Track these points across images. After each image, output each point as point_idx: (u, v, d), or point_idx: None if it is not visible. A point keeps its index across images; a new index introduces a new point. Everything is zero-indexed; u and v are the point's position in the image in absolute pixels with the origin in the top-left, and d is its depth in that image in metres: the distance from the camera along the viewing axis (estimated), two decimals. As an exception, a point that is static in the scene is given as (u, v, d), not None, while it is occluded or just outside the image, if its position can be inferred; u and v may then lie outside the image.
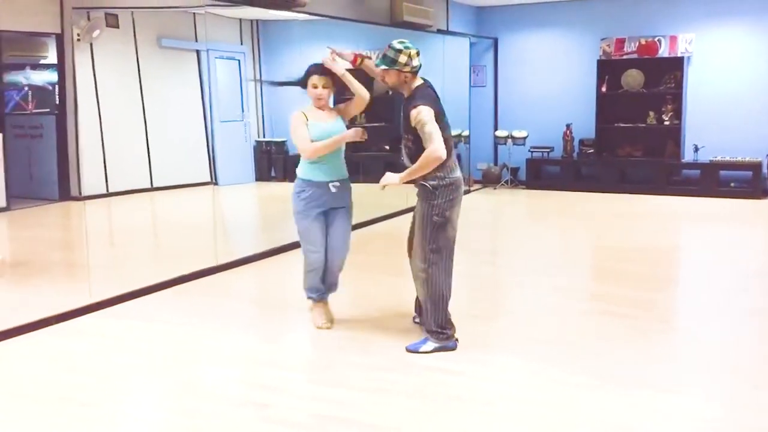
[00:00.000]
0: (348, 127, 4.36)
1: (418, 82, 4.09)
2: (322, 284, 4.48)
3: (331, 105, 4.46)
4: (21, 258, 6.98)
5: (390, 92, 5.02)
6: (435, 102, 4.02)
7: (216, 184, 11.81)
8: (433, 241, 4.00)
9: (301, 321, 4.63)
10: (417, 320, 4.45)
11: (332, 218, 4.38)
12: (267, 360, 4.07)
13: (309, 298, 4.53)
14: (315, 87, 4.26)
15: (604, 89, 10.64)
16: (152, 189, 10.86)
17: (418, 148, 3.97)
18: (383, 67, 4.04)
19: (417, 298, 4.34)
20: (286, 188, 12.25)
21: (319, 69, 4.26)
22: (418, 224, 4.08)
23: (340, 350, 4.15)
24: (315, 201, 4.28)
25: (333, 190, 4.29)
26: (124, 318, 4.83)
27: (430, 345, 4.06)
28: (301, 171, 4.34)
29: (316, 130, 4.24)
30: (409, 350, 4.05)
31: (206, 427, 3.27)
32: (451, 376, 3.76)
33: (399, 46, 4.00)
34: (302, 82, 4.32)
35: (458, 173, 4.08)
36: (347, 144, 4.36)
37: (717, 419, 3.28)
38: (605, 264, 6.66)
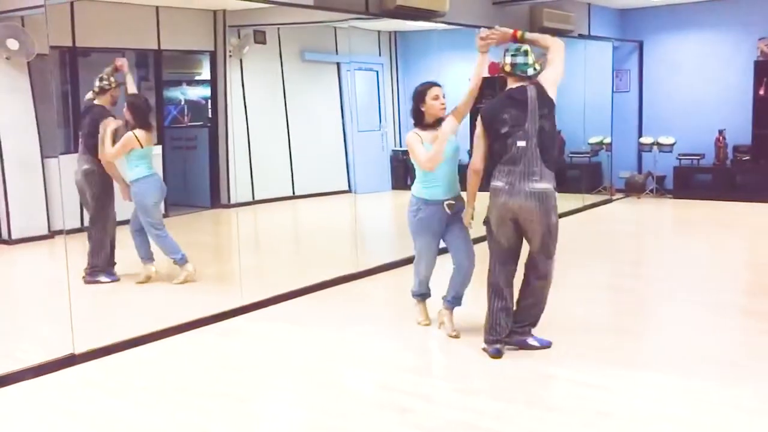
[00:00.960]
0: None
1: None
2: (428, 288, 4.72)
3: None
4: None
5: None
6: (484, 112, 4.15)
7: (354, 192, 12.12)
8: (491, 252, 4.22)
9: (437, 328, 4.65)
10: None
11: (450, 233, 4.44)
12: (407, 365, 4.12)
13: (414, 295, 4.77)
14: (436, 98, 4.33)
15: (761, 92, 9.93)
16: (294, 197, 11.30)
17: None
18: (530, 73, 4.10)
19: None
20: (422, 197, 12.18)
21: (432, 82, 4.41)
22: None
23: (478, 358, 4.13)
24: (429, 220, 4.37)
25: (447, 210, 4.35)
26: (273, 320, 5.06)
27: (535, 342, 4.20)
28: (416, 189, 4.43)
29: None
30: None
31: (348, 427, 3.35)
32: (596, 391, 3.64)
33: (527, 60, 4.10)
34: (418, 102, 4.37)
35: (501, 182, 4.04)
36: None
37: None
38: (760, 279, 6.21)
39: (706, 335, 4.54)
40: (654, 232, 8.97)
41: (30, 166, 7.76)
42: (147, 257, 5.99)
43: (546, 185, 3.96)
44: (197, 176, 10.40)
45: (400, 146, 12.75)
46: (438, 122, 4.34)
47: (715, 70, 10.57)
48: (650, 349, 4.36)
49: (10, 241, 7.48)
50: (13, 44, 7.32)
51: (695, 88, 10.72)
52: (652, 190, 10.88)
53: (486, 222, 4.13)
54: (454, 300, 4.54)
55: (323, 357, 4.30)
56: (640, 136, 11.16)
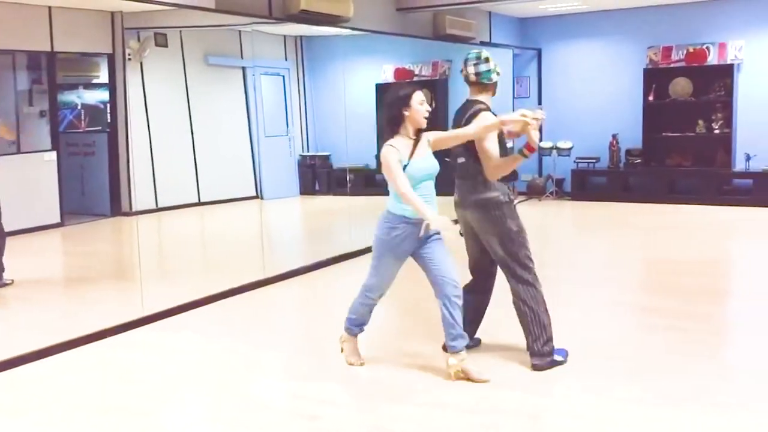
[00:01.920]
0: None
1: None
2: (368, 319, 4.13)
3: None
4: (75, 273, 7.17)
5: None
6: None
7: (261, 198, 11.98)
8: None
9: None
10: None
11: (429, 250, 3.86)
12: (314, 372, 4.10)
13: (348, 330, 4.11)
14: (423, 104, 3.81)
15: (651, 98, 10.48)
16: (200, 204, 11.05)
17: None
18: (494, 79, 4.11)
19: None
20: (330, 201, 12.43)
21: (410, 88, 3.85)
22: None
23: (387, 361, 4.15)
24: (406, 240, 3.83)
25: (423, 231, 3.80)
26: (176, 330, 4.92)
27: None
28: (394, 205, 3.84)
29: (414, 166, 3.76)
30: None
31: (257, 438, 3.31)
32: (498, 391, 3.73)
33: (485, 54, 4.06)
34: (401, 108, 3.79)
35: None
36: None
37: (777, 435, 3.19)
38: (655, 277, 6.54)
39: (604, 332, 4.73)
40: (555, 233, 9.30)
41: None
42: None
43: (491, 194, 3.96)
44: (96, 183, 10.02)
45: (308, 151, 12.70)
46: (418, 132, 3.83)
47: (608, 78, 11.08)
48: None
49: None
50: None
51: (590, 94, 11.20)
52: (552, 193, 11.28)
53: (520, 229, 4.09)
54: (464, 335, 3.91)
55: (229, 367, 4.22)
56: (540, 140, 11.51)
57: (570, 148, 11.02)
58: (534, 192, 11.32)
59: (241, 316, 5.29)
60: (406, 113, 3.78)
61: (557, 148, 11.09)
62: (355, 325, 4.12)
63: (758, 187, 9.82)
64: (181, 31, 10.51)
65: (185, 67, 10.93)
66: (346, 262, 7.09)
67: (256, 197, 11.95)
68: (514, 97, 11.44)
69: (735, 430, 3.25)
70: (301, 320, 5.34)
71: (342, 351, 4.19)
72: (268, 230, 10.50)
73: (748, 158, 9.97)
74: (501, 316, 4.35)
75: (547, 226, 9.69)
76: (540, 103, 11.65)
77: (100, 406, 3.67)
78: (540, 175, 11.61)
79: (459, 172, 4.07)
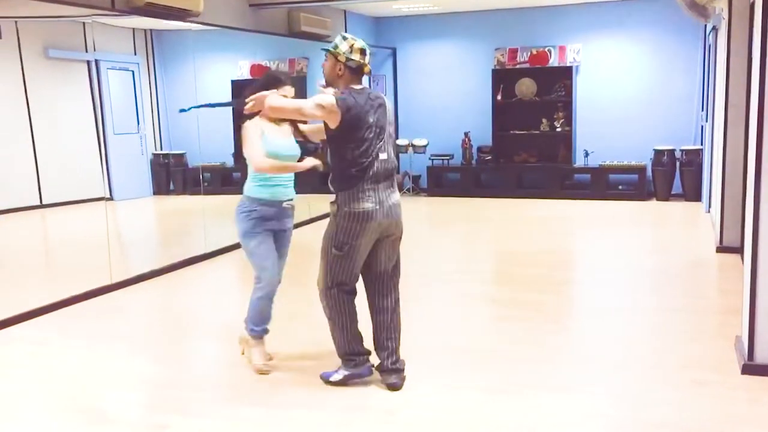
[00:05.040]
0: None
1: (360, 86, 3.69)
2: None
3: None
4: None
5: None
6: (360, 105, 3.58)
7: (111, 199, 11.41)
8: (328, 273, 3.78)
9: (200, 339, 4.52)
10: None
11: (278, 244, 4.06)
12: (165, 381, 3.96)
13: (253, 332, 4.05)
14: (286, 96, 3.87)
15: (499, 98, 10.98)
16: (42, 206, 10.36)
17: (330, 159, 3.71)
18: (325, 51, 3.71)
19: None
20: (185, 201, 12.02)
21: (289, 77, 4.01)
22: (321, 253, 3.80)
23: (243, 368, 4.08)
24: (266, 220, 3.96)
25: (284, 209, 4.02)
26: (14, 342, 4.59)
27: (338, 375, 3.83)
28: (249, 189, 3.98)
29: (271, 144, 3.90)
30: (321, 377, 3.84)
31: (101, 453, 3.14)
32: (351, 387, 3.76)
33: (347, 36, 3.70)
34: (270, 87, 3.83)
35: (367, 205, 3.65)
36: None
37: (612, 416, 3.43)
38: (504, 268, 6.86)
39: (455, 324, 4.90)
40: (412, 228, 9.47)
41: None
42: None
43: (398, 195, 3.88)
44: None
45: (161, 149, 12.24)
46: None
47: (460, 77, 11.48)
48: (405, 343, 4.59)
49: None
50: None
51: (443, 93, 11.56)
52: (409, 189, 11.54)
53: (341, 245, 3.66)
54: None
55: (75, 379, 3.98)
56: (396, 138, 11.77)
57: (425, 146, 11.32)
58: (391, 189, 11.50)
59: (87, 324, 5.01)
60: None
61: (413, 146, 11.36)
62: (258, 325, 4.04)
63: (595, 181, 10.54)
64: (16, 22, 9.79)
65: (22, 60, 10.19)
66: (201, 263, 6.91)
67: (106, 198, 11.38)
68: (370, 96, 11.59)
69: (566, 411, 3.46)
70: (153, 325, 5.13)
71: (243, 353, 4.14)
72: (118, 232, 10.02)
73: (586, 154, 10.67)
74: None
75: (405, 221, 9.88)
76: (396, 102, 11.88)
77: None
78: (397, 171, 11.83)
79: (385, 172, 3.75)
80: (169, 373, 4.08)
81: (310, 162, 3.87)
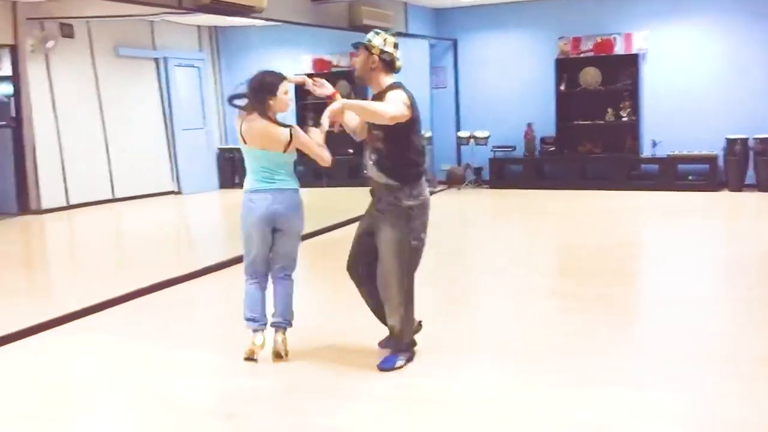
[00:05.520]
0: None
1: (391, 80, 3.81)
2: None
3: None
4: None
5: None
6: (412, 95, 3.76)
7: (179, 192, 11.71)
8: (408, 265, 3.80)
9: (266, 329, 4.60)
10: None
11: (277, 236, 4.08)
12: (230, 369, 4.05)
13: (251, 326, 4.13)
14: (287, 93, 3.99)
15: (562, 88, 10.79)
16: (114, 200, 10.72)
17: (390, 149, 3.75)
18: (358, 44, 3.81)
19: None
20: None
21: (280, 75, 4.03)
22: (388, 252, 3.76)
23: (308, 358, 4.14)
24: (257, 212, 3.99)
25: (277, 200, 3.99)
26: (88, 332, 4.76)
27: (401, 361, 3.89)
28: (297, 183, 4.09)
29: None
30: (384, 369, 3.84)
31: (173, 439, 3.25)
32: (418, 379, 3.77)
33: (380, 31, 3.85)
34: (266, 94, 3.92)
35: (427, 192, 3.86)
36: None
37: (687, 412, 3.33)
38: (569, 261, 6.75)
39: (520, 316, 4.85)
40: (474, 220, 9.47)
41: None
42: None
43: None
44: (1, 181, 9.58)
45: (227, 144, 12.49)
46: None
47: (522, 68, 11.32)
48: (468, 334, 4.58)
49: None
50: None
51: (504, 84, 11.43)
52: (471, 182, 11.47)
53: (422, 243, 3.79)
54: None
55: (143, 367, 4.11)
56: (458, 130, 11.72)
57: (487, 137, 11.22)
58: (453, 181, 11.48)
59: (158, 314, 5.17)
60: (271, 101, 3.93)
61: (475, 138, 11.28)
62: (255, 320, 4.08)
63: (664, 171, 10.25)
64: (88, 22, 10.14)
65: (94, 59, 10.56)
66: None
67: (174, 192, 11.69)
68: (431, 87, 11.56)
69: (640, 407, 3.39)
70: (221, 317, 5.25)
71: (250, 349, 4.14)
72: (186, 225, 10.30)
73: (654, 144, 10.40)
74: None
75: (467, 214, 9.86)
76: (457, 93, 11.82)
77: (8, 415, 3.52)
78: (459, 164, 11.78)
79: None
80: (236, 363, 4.16)
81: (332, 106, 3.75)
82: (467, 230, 8.86)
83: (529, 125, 11.06)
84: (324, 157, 3.98)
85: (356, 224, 4.11)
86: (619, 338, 4.36)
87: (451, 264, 6.63)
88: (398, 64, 3.82)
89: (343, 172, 10.37)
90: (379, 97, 3.79)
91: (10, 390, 3.84)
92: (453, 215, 9.63)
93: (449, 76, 11.85)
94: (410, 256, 3.78)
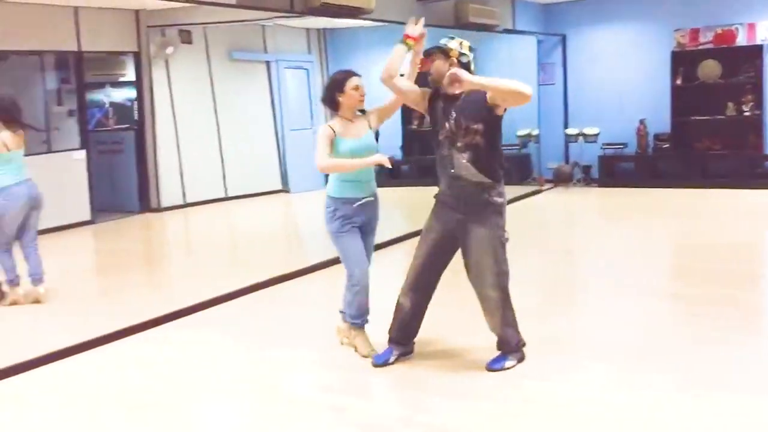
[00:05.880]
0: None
1: None
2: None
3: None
4: (106, 270, 7.28)
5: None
6: None
7: (288, 191, 12.04)
8: (504, 263, 3.80)
9: (371, 326, 4.65)
10: None
11: (363, 235, 4.18)
12: (339, 364, 4.11)
13: (354, 324, 4.18)
14: (357, 89, 4.03)
15: (679, 82, 10.32)
16: (227, 198, 11.15)
17: (487, 145, 3.71)
18: (434, 50, 3.80)
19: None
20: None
21: (352, 71, 4.11)
22: (482, 249, 3.76)
23: (415, 356, 4.16)
24: (350, 218, 4.07)
25: (364, 206, 4.09)
26: (203, 326, 4.97)
27: (511, 362, 3.87)
28: (330, 189, 4.13)
29: (345, 146, 4.00)
30: (492, 369, 3.82)
31: (286, 429, 3.33)
32: (527, 380, 3.72)
33: (454, 36, 3.90)
34: (334, 91, 4.04)
35: None
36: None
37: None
38: (686, 262, 6.45)
39: (635, 318, 4.68)
40: (582, 220, 9.22)
41: None
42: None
43: None
44: (125, 180, 10.15)
45: (333, 144, 12.70)
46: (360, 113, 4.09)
47: (634, 62, 10.91)
48: (580, 335, 4.46)
49: None
50: None
51: (616, 79, 11.04)
52: (579, 180, 11.17)
53: (508, 236, 3.83)
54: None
55: (256, 360, 4.25)
56: (566, 127, 11.44)
57: (597, 135, 10.90)
58: (561, 179, 11.22)
59: (269, 309, 5.33)
60: (340, 98, 4.03)
61: (584, 135, 10.98)
62: (358, 318, 4.16)
63: (791, 169, 9.63)
64: (204, 28, 10.58)
65: (210, 63, 11.01)
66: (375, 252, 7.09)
67: (283, 191, 12.03)
68: (539, 84, 11.33)
69: (759, 417, 3.20)
70: (326, 314, 5.35)
71: (342, 343, 4.26)
72: (295, 224, 10.57)
73: (780, 140, 9.78)
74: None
75: (575, 213, 9.61)
76: (566, 90, 11.54)
77: (129, 402, 3.73)
78: (567, 162, 11.50)
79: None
80: (343, 357, 4.23)
81: (377, 158, 3.95)
82: (576, 229, 8.64)
83: (642, 121, 10.65)
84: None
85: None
86: (738, 344, 4.12)
87: (561, 263, 6.48)
88: (473, 67, 3.84)
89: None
90: (471, 93, 3.71)
91: (131, 379, 4.05)
92: (561, 214, 9.41)
93: (558, 72, 11.58)
94: (504, 252, 3.79)
